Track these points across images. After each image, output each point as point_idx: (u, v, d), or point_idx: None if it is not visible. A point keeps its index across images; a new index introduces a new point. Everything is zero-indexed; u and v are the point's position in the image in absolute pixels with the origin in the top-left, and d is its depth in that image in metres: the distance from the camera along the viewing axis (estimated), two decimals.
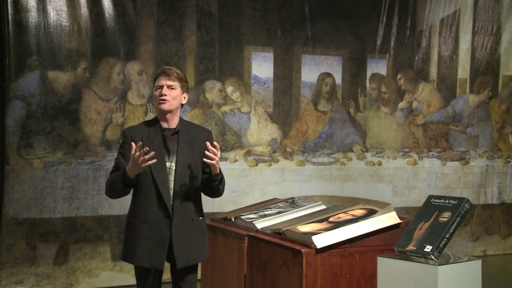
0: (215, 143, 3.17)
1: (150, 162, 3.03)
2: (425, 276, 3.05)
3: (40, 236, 5.34)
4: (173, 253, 3.20)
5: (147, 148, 3.02)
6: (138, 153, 3.00)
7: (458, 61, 7.04)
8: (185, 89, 3.31)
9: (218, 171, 3.21)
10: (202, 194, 3.36)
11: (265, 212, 4.15)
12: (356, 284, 3.48)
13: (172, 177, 3.21)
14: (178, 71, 3.29)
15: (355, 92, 6.60)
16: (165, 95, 3.21)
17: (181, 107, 3.32)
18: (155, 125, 3.28)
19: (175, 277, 3.31)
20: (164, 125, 3.27)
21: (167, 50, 5.78)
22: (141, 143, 3.05)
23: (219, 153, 3.16)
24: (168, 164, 3.22)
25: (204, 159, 3.14)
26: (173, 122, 3.28)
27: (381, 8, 6.63)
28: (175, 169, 3.22)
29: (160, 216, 3.18)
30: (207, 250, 3.39)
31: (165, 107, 3.23)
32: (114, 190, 3.21)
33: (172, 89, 3.24)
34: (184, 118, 5.07)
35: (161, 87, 3.23)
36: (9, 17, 5.20)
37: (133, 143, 3.06)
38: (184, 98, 3.31)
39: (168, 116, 3.26)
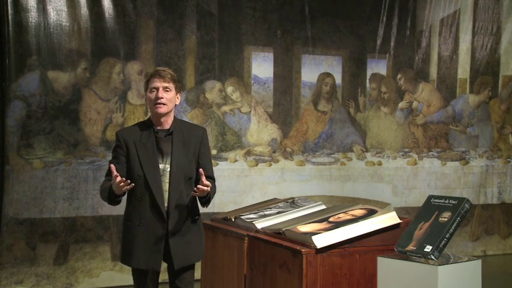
0: (206, 181, 3.14)
1: (128, 187, 3.06)
2: (425, 276, 3.05)
3: (40, 236, 5.34)
4: (170, 253, 3.20)
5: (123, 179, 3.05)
6: (118, 179, 3.02)
7: (458, 61, 7.04)
8: (178, 89, 3.30)
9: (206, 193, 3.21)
10: None
11: (265, 212, 4.15)
12: (356, 284, 3.48)
13: (166, 179, 3.20)
14: (171, 71, 3.28)
15: (355, 92, 6.60)
16: (162, 97, 3.19)
17: (175, 107, 3.32)
18: (148, 127, 3.26)
19: (172, 276, 3.31)
20: (158, 126, 3.26)
21: (167, 50, 5.78)
22: (113, 167, 3.07)
23: (207, 188, 3.15)
24: (161, 166, 3.21)
25: (198, 188, 3.14)
26: (167, 124, 3.27)
27: (381, 8, 6.63)
28: (169, 171, 3.21)
29: (155, 218, 3.18)
30: (203, 249, 3.40)
31: (163, 110, 3.21)
32: (104, 199, 3.26)
33: (168, 91, 3.22)
34: (185, 118, 5.07)
35: (156, 89, 3.21)
36: (9, 17, 5.20)
37: (112, 165, 3.06)
38: (177, 98, 3.30)
39: (163, 118, 3.25)
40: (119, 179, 3.02)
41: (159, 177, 3.19)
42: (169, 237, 3.19)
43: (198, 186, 3.12)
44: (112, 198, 3.17)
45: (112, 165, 3.07)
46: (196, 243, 3.32)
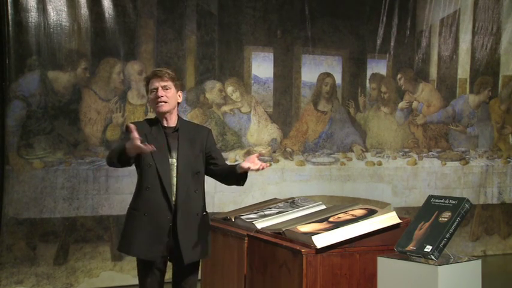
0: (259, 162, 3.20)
1: (146, 149, 3.00)
2: (425, 276, 3.05)
3: (40, 236, 5.34)
4: (177, 250, 3.20)
5: (148, 144, 3.01)
6: (137, 140, 2.98)
7: (458, 61, 7.04)
8: (179, 87, 3.36)
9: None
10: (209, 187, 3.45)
11: (265, 212, 4.15)
12: (356, 284, 3.48)
13: (174, 173, 3.25)
14: (169, 70, 3.33)
15: (355, 92, 6.60)
16: (162, 96, 3.24)
17: (178, 105, 3.36)
18: (157, 123, 3.33)
19: (176, 277, 3.32)
20: (164, 123, 3.32)
21: (167, 50, 5.78)
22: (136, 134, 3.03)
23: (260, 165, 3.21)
24: (170, 161, 3.25)
25: (247, 165, 3.18)
26: (172, 121, 3.33)
27: (381, 8, 6.63)
28: (177, 165, 3.25)
29: (161, 208, 3.20)
30: (210, 247, 3.42)
31: (164, 109, 3.27)
32: (111, 159, 3.19)
33: (167, 89, 3.27)
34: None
35: (156, 89, 3.26)
36: (9, 17, 5.19)
37: (132, 125, 3.04)
38: (179, 96, 3.36)
39: (167, 115, 3.31)
40: (137, 138, 2.97)
41: (168, 169, 3.23)
42: (178, 231, 3.20)
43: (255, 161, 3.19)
44: (123, 158, 3.09)
45: (131, 125, 3.03)
46: (204, 239, 3.34)
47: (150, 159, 3.21)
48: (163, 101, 3.25)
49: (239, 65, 6.09)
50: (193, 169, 3.28)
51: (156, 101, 3.26)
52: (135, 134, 3.00)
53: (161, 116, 3.30)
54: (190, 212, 3.25)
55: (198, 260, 3.34)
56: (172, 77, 3.30)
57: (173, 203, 3.21)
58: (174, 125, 3.32)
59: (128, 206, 3.33)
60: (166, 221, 3.20)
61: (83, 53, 5.48)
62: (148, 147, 3.01)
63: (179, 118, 3.37)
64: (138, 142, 2.99)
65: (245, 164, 3.21)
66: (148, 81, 3.32)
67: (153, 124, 3.32)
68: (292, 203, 4.32)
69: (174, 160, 3.26)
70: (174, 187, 3.23)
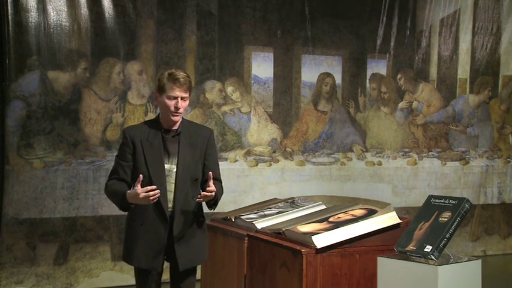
0: (211, 187, 3.11)
1: (155, 198, 3.01)
2: (425, 276, 3.05)
3: (40, 236, 5.34)
4: (174, 254, 3.20)
5: (154, 187, 3.01)
6: (144, 194, 2.99)
7: (458, 61, 7.04)
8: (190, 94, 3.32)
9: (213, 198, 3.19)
10: None
11: (265, 212, 4.15)
12: (356, 284, 3.48)
13: (172, 180, 3.19)
14: (189, 79, 3.27)
15: (355, 92, 6.60)
16: (180, 108, 3.19)
17: None
18: (156, 126, 3.26)
19: (174, 278, 3.31)
20: (165, 126, 3.26)
21: (167, 50, 5.78)
22: (141, 176, 3.04)
23: (212, 193, 3.13)
24: (167, 166, 3.20)
25: (202, 194, 3.11)
26: (175, 125, 3.27)
27: (381, 8, 6.63)
28: (176, 171, 3.20)
29: (158, 218, 3.17)
30: (206, 251, 3.40)
31: (179, 119, 3.23)
32: (112, 201, 3.22)
33: (185, 100, 3.23)
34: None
35: (176, 98, 3.19)
36: (9, 17, 5.19)
37: (141, 175, 3.03)
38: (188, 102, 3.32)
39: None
40: (151, 193, 2.99)
41: (163, 177, 3.18)
42: (174, 239, 3.17)
43: (203, 193, 3.11)
44: (125, 205, 3.13)
45: (140, 175, 3.03)
46: (201, 245, 3.32)
47: (144, 169, 3.16)
48: (180, 113, 3.20)
49: (239, 65, 6.09)
50: (192, 176, 3.23)
51: (173, 111, 3.18)
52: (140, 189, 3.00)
53: (170, 123, 3.23)
54: (187, 219, 3.22)
55: (193, 266, 3.31)
56: (191, 87, 3.27)
57: (170, 209, 3.18)
58: (176, 128, 3.26)
59: (127, 216, 3.30)
60: (163, 231, 3.17)
61: (83, 53, 5.48)
62: (155, 193, 3.00)
63: (182, 120, 3.30)
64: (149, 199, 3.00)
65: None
66: (166, 82, 3.20)
67: (152, 128, 3.25)
68: (292, 203, 4.32)
69: (174, 166, 3.20)
70: (172, 193, 3.18)
